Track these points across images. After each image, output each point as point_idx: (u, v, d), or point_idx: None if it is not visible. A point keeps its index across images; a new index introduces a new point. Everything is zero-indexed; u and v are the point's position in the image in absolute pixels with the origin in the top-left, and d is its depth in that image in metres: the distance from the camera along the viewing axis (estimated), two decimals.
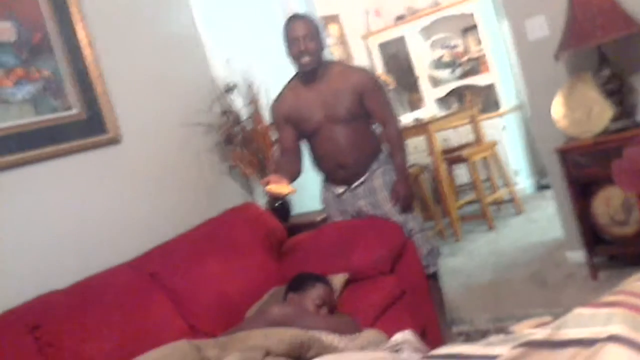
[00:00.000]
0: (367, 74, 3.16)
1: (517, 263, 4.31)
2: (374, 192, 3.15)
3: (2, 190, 2.59)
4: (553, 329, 1.45)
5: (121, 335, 2.43)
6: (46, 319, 2.32)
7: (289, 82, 3.21)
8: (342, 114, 3.05)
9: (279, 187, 2.77)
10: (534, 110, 3.91)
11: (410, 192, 3.14)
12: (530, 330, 1.67)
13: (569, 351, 1.34)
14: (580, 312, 1.43)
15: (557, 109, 3.55)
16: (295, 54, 3.03)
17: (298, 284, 2.66)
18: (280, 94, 3.20)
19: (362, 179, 3.15)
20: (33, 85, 2.77)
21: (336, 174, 3.19)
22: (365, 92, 3.06)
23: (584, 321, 1.40)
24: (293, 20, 3.06)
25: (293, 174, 3.08)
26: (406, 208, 3.13)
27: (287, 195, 2.85)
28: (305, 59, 3.01)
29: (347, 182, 3.19)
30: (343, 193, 3.21)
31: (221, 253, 2.98)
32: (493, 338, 1.76)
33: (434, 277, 3.29)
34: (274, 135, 3.63)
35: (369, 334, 2.42)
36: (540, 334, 1.48)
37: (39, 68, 2.80)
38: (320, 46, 3.06)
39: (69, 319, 2.37)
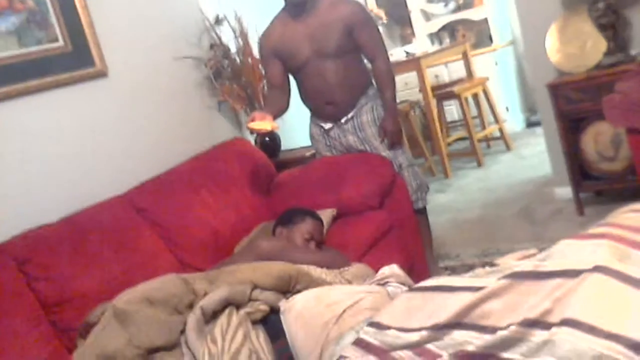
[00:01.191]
0: (358, 7, 3.06)
1: (505, 199, 4.34)
2: (363, 127, 3.12)
3: None
4: (538, 260, 1.46)
5: (110, 269, 2.44)
6: (35, 253, 2.33)
7: (277, 15, 3.11)
8: (331, 48, 2.98)
9: (261, 123, 2.73)
10: (527, 44, 3.87)
11: (398, 128, 3.11)
12: (515, 262, 1.70)
13: (554, 282, 1.35)
14: (565, 243, 1.44)
15: (551, 43, 3.51)
16: None
17: (287, 218, 2.66)
18: (268, 28, 3.11)
19: (350, 115, 3.12)
20: (17, 16, 2.70)
21: (324, 109, 3.15)
22: (355, 26, 2.98)
23: (569, 253, 1.41)
24: None
25: (279, 110, 3.03)
26: (395, 144, 3.11)
27: (270, 132, 2.82)
28: None
29: (336, 117, 3.15)
30: (331, 129, 3.18)
31: (210, 188, 2.97)
32: (478, 270, 1.79)
33: (422, 213, 3.31)
34: (263, 69, 3.59)
35: (357, 268, 2.44)
36: (525, 265, 1.49)
37: None
38: None
39: (58, 253, 2.37)
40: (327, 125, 3.19)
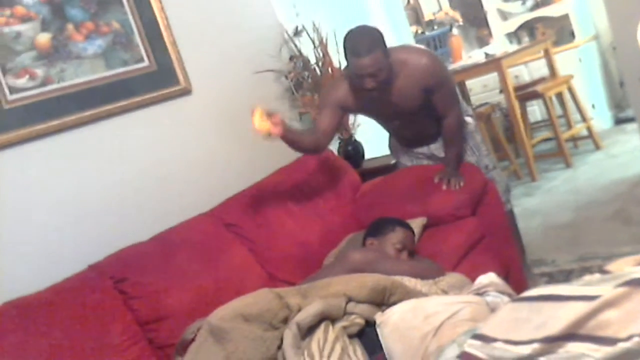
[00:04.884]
0: (434, 67, 2.84)
1: (598, 201, 4.15)
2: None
3: (79, 147, 2.61)
4: None
5: (203, 284, 2.45)
6: (130, 271, 2.36)
7: (344, 70, 2.90)
8: (409, 110, 2.90)
9: (261, 122, 2.53)
10: (617, 37, 3.71)
11: (459, 178, 2.91)
12: (630, 268, 1.60)
13: None
14: None
15: None
16: (358, 81, 2.71)
17: (377, 228, 2.62)
18: (340, 85, 2.88)
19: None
20: (103, 38, 2.77)
21: (410, 143, 3.17)
22: (432, 88, 2.84)
23: None
24: (356, 53, 2.62)
25: (299, 140, 2.82)
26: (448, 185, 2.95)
27: (267, 135, 2.57)
28: (371, 84, 2.67)
29: (422, 144, 3.16)
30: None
31: (296, 201, 2.96)
32: (589, 277, 1.69)
33: (510, 215, 3.20)
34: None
35: (452, 277, 2.37)
36: None
37: (108, 21, 2.79)
38: (387, 71, 2.68)
39: (152, 270, 2.40)
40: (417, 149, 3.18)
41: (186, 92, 3.04)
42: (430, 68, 2.81)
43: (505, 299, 2.02)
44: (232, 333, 1.93)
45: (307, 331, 1.98)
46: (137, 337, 2.25)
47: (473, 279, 2.24)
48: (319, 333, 1.94)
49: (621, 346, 1.30)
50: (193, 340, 2.06)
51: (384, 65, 2.64)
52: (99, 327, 2.16)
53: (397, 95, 2.81)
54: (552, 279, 3.17)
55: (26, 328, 2.00)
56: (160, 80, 2.94)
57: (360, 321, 2.03)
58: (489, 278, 2.19)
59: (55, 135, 2.53)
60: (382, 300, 2.10)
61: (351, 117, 3.66)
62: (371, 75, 2.62)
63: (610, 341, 1.34)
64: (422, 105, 2.89)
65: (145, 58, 2.91)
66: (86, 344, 2.09)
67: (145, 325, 2.30)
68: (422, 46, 3.05)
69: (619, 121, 5.85)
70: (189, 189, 2.95)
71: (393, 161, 3.43)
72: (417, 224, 2.76)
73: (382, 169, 3.48)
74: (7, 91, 2.43)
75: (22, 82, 2.49)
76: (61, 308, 2.14)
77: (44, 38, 2.58)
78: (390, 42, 3.29)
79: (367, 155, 3.78)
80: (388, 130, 3.22)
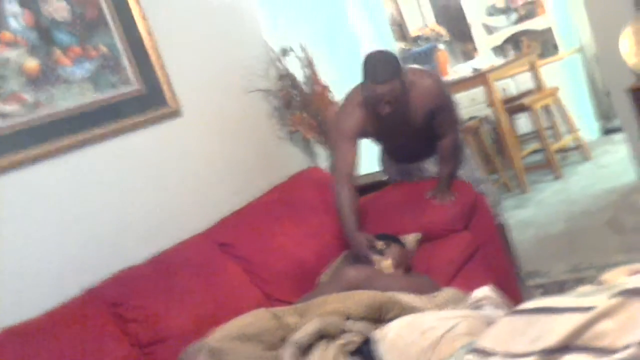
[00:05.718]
0: (438, 92, 2.87)
1: (590, 211, 4.17)
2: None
3: (71, 171, 2.60)
4: None
5: (200, 306, 2.44)
6: (127, 295, 2.35)
7: (356, 92, 2.85)
8: (413, 130, 2.92)
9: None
10: (600, 49, 3.75)
11: (450, 194, 2.93)
12: (624, 278, 1.60)
13: None
14: None
15: (626, 46, 3.38)
16: (374, 106, 2.71)
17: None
18: (353, 112, 2.83)
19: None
20: (91, 62, 2.76)
21: (406, 160, 3.20)
22: (436, 109, 2.87)
23: None
24: (375, 79, 2.64)
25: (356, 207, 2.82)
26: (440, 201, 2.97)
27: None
28: (387, 110, 2.67)
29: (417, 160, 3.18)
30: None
31: (290, 219, 2.96)
32: (583, 288, 1.70)
33: (501, 228, 3.22)
34: (332, 97, 3.58)
35: (448, 292, 2.37)
36: (636, 281, 1.40)
37: (96, 45, 2.79)
38: (402, 98, 2.71)
39: (149, 293, 2.39)
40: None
41: (176, 113, 3.04)
42: (435, 90, 2.84)
43: (501, 312, 2.02)
44: (231, 354, 1.92)
45: (306, 350, 1.97)
46: None
47: (468, 293, 2.25)
48: (318, 352, 1.94)
49: (617, 357, 1.30)
50: None
51: (400, 93, 2.66)
52: (99, 353, 2.15)
53: (404, 117, 2.82)
54: (546, 290, 3.18)
55: (27, 356, 1.98)
56: (149, 102, 2.94)
57: (357, 339, 2.02)
58: (484, 292, 2.19)
59: (46, 160, 2.52)
60: (379, 316, 2.10)
61: None
62: (388, 102, 2.64)
63: (608, 351, 1.34)
64: (425, 125, 2.90)
65: (134, 81, 2.91)
66: None
67: (145, 347, 2.29)
68: (425, 68, 3.05)
69: (607, 131, 5.89)
70: (183, 209, 2.95)
71: (385, 177, 3.43)
72: (411, 239, 2.76)
73: (373, 186, 3.48)
74: None
75: (12, 107, 2.48)
76: (60, 334, 2.12)
77: (32, 63, 2.57)
78: None
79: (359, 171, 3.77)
80: (386, 149, 3.23)
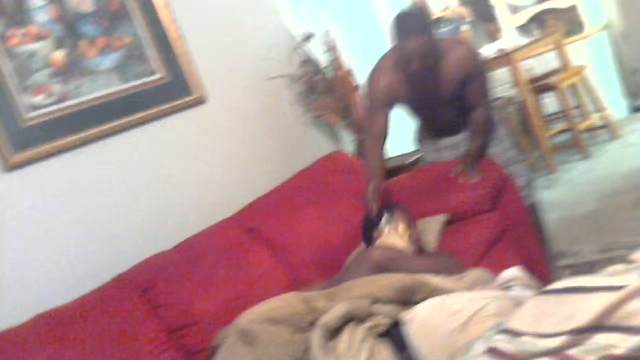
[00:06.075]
0: (472, 60, 2.87)
1: (618, 190, 4.12)
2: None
3: (100, 160, 2.64)
4: None
5: (228, 290, 2.47)
6: (156, 280, 2.39)
7: (386, 57, 2.90)
8: (446, 98, 2.90)
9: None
10: (627, 26, 3.68)
11: (477, 175, 2.89)
12: None
13: None
14: None
15: None
16: (405, 64, 2.72)
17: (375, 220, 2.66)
18: (379, 73, 2.89)
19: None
20: (116, 53, 2.79)
21: (438, 133, 3.15)
22: (467, 79, 2.84)
23: None
24: (406, 35, 2.64)
25: (383, 172, 2.93)
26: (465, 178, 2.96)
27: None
28: (417, 66, 2.67)
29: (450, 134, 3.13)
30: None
31: (316, 203, 2.97)
32: (614, 268, 1.69)
33: (533, 208, 3.18)
34: (355, 81, 3.58)
35: (475, 273, 2.36)
36: None
37: (120, 35, 2.82)
38: (433, 56, 2.71)
39: (177, 279, 2.42)
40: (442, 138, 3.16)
41: (200, 101, 3.06)
42: (468, 57, 2.84)
43: (530, 292, 2.01)
44: (260, 336, 1.95)
45: (334, 333, 1.98)
46: (167, 344, 2.27)
47: (496, 275, 2.24)
48: (346, 334, 1.94)
49: None
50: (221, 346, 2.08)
51: (430, 50, 2.67)
52: (129, 336, 2.19)
53: (437, 83, 2.82)
54: (576, 270, 3.15)
55: (60, 340, 2.03)
56: (174, 91, 2.97)
57: (386, 321, 2.03)
58: (513, 272, 2.19)
59: (75, 150, 2.57)
60: (408, 299, 2.10)
61: None
62: (419, 57, 2.64)
63: (638, 330, 1.33)
64: (457, 94, 2.88)
65: (159, 70, 2.93)
66: (117, 354, 2.12)
67: (175, 332, 2.32)
68: (460, 37, 3.03)
69: (635, 109, 5.80)
70: (209, 196, 2.98)
71: (411, 159, 3.42)
72: (438, 221, 2.76)
73: (400, 168, 3.48)
74: (26, 109, 2.46)
75: (40, 99, 2.52)
76: (91, 319, 2.17)
77: (58, 55, 2.61)
78: None
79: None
80: (420, 120, 3.19)
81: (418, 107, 3.06)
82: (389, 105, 2.90)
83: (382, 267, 2.31)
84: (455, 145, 3.11)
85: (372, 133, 2.92)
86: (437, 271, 2.32)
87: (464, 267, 2.41)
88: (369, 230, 2.71)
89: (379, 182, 2.81)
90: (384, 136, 2.93)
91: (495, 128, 3.07)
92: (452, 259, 2.49)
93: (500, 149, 3.04)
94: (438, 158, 3.15)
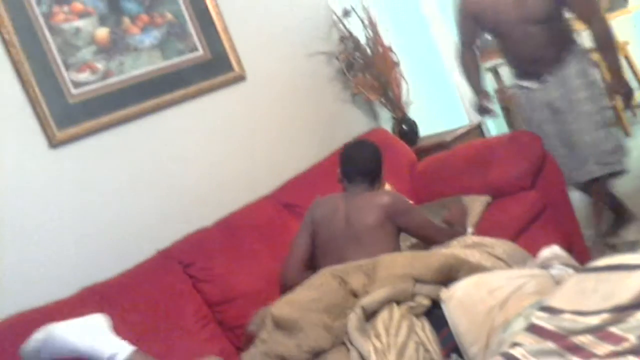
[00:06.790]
0: None
1: None
2: (565, 81, 2.92)
3: (143, 136, 2.69)
4: None
5: (266, 266, 2.51)
6: (197, 256, 2.44)
7: None
8: (538, 14, 2.78)
9: None
10: None
11: (629, 88, 2.89)
12: None
13: None
14: None
15: None
16: None
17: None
18: None
19: (555, 70, 2.94)
20: (158, 30, 2.82)
21: (527, 68, 3.02)
22: None
23: None
24: None
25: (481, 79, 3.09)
26: (627, 103, 3.01)
27: None
28: None
29: (539, 74, 2.98)
30: (536, 89, 3.02)
31: None
32: None
33: (611, 177, 3.10)
34: (394, 57, 3.57)
35: (505, 244, 2.33)
36: None
37: (162, 12, 2.84)
38: None
39: (218, 254, 2.47)
40: (533, 85, 3.02)
41: (241, 78, 3.08)
42: None
43: (570, 271, 2.01)
44: (301, 322, 1.98)
45: (372, 313, 2.00)
46: (208, 318, 2.33)
47: (534, 253, 2.23)
48: (384, 313, 1.95)
49: None
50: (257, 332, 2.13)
51: None
52: (172, 310, 2.25)
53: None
54: (617, 251, 3.12)
55: (107, 312, 2.08)
56: (214, 67, 2.99)
57: (426, 302, 2.03)
58: (553, 251, 2.18)
59: (118, 127, 2.61)
60: (448, 278, 2.10)
61: (404, 94, 3.66)
62: None
63: None
64: (551, 13, 2.79)
65: (200, 47, 2.96)
66: (161, 326, 2.19)
67: (215, 307, 2.38)
68: None
69: None
70: (250, 172, 3.00)
71: (449, 138, 3.40)
72: (481, 201, 2.75)
73: (437, 146, 3.47)
74: (70, 86, 2.51)
75: (84, 76, 2.56)
76: (136, 292, 2.24)
77: (102, 32, 2.64)
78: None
79: (422, 133, 3.76)
80: (507, 49, 3.06)
81: (508, 28, 2.89)
82: (475, 20, 2.96)
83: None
84: (561, 81, 2.93)
85: (464, 39, 3.08)
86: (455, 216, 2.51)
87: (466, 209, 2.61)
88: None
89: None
90: (474, 43, 3.07)
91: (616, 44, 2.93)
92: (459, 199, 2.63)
93: (595, 109, 2.90)
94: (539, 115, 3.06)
